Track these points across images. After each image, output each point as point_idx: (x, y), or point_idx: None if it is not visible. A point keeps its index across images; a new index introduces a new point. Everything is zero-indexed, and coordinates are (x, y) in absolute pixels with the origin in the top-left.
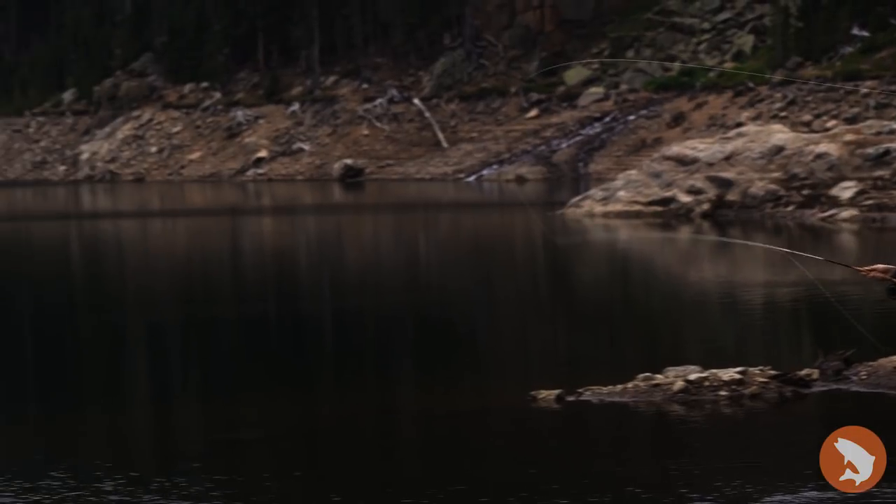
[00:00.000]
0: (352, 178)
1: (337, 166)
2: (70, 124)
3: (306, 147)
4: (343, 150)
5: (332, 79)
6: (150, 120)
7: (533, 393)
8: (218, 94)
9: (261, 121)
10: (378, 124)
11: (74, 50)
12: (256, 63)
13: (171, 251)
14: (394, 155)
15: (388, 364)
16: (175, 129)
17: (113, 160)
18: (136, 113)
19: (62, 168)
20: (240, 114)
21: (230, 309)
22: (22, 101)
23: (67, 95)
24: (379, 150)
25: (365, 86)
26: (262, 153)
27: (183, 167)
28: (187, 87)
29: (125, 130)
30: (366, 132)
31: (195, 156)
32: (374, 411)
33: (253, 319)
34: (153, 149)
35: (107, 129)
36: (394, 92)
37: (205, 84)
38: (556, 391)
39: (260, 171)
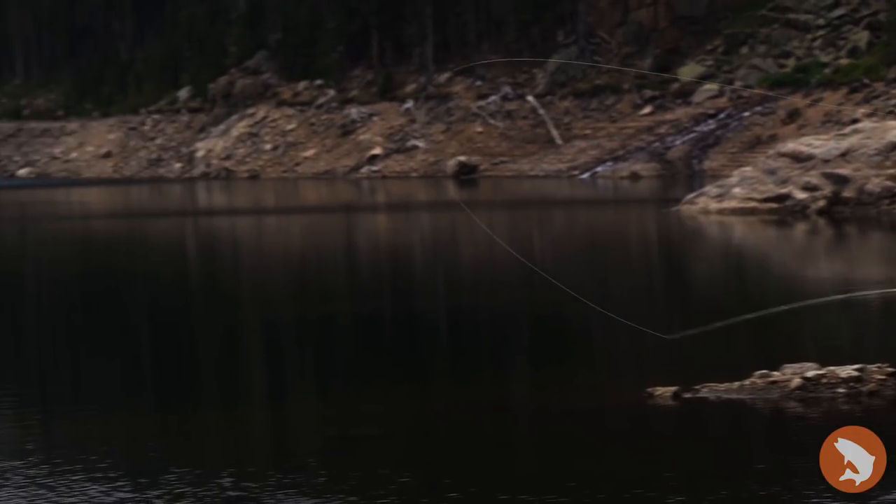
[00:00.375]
0: (466, 175)
1: (451, 163)
2: (185, 122)
3: (420, 144)
4: (457, 148)
5: (445, 76)
6: (265, 117)
7: (649, 390)
8: (332, 92)
9: (375, 118)
10: (492, 121)
11: (189, 48)
12: (370, 60)
13: (286, 248)
14: (508, 152)
15: (503, 361)
16: (289, 127)
17: (228, 157)
18: (250, 110)
19: (178, 165)
20: (354, 111)
21: (345, 306)
22: (138, 99)
23: (183, 93)
24: (493, 147)
25: (479, 83)
26: (377, 150)
27: (297, 164)
28: (301, 85)
29: (240, 128)
30: (480, 129)
31: (310, 153)
32: (490, 408)
33: (368, 316)
34: (268, 146)
35: (222, 127)
36: (507, 89)
37: (319, 81)
38: (673, 388)
39: (374, 168)
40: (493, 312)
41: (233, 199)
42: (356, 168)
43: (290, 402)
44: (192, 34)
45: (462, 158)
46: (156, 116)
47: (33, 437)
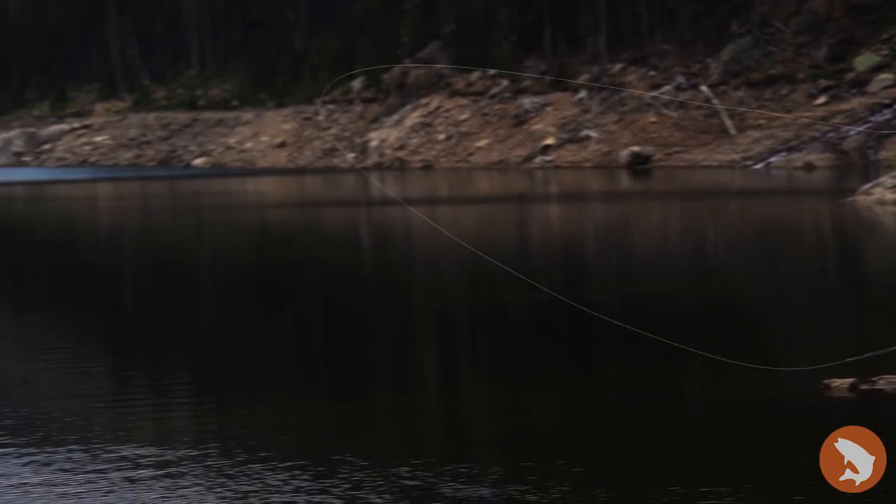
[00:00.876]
0: (639, 165)
1: (624, 154)
2: (359, 112)
3: (593, 134)
4: (630, 138)
5: (618, 66)
6: (438, 108)
7: (825, 381)
8: (505, 82)
9: (548, 108)
10: (665, 111)
11: (363, 38)
12: (543, 51)
13: (460, 238)
14: (681, 142)
15: (676, 351)
16: (463, 117)
17: (401, 147)
18: (423, 101)
19: (351, 155)
20: (527, 101)
21: (517, 296)
22: (312, 89)
23: (356, 83)
24: (666, 137)
25: (652, 73)
26: (550, 140)
27: (471, 154)
28: (475, 75)
29: (413, 118)
30: (653, 119)
31: (483, 143)
32: (663, 399)
33: (540, 306)
34: (441, 136)
35: (395, 117)
36: (681, 79)
37: (492, 72)
38: (850, 380)
39: (547, 158)
40: (665, 302)
41: (406, 189)
42: (529, 158)
43: (462, 391)
44: (366, 25)
45: (635, 148)
46: (330, 107)
47: (210, 426)
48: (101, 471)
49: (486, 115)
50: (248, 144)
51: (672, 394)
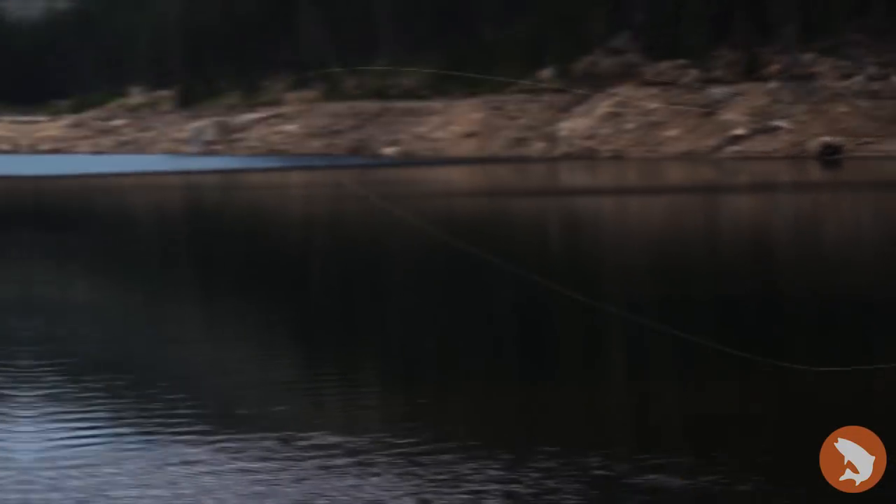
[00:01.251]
0: (830, 156)
1: (815, 144)
2: (549, 102)
3: (784, 125)
4: (821, 128)
5: (810, 56)
6: (628, 97)
7: None
8: (695, 72)
9: (738, 98)
10: (857, 101)
11: (553, 28)
12: (734, 40)
13: (649, 229)
14: (873, 132)
15: (871, 342)
16: (652, 107)
17: (591, 137)
18: (613, 90)
19: (540, 145)
20: (717, 91)
21: (706, 286)
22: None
23: (546, 73)
24: (858, 127)
25: (843, 63)
26: (739, 130)
27: (660, 144)
28: (664, 65)
29: (603, 107)
30: (844, 109)
31: (672, 133)
32: (848, 390)
33: (729, 298)
34: (630, 126)
35: (585, 107)
36: (872, 69)
37: (682, 61)
38: None
39: (737, 148)
40: (857, 295)
41: (595, 178)
42: (718, 148)
43: (650, 380)
44: (557, 14)
45: (826, 139)
46: (519, 96)
47: (400, 414)
48: (292, 458)
49: (675, 104)
50: (438, 134)
51: (860, 384)
